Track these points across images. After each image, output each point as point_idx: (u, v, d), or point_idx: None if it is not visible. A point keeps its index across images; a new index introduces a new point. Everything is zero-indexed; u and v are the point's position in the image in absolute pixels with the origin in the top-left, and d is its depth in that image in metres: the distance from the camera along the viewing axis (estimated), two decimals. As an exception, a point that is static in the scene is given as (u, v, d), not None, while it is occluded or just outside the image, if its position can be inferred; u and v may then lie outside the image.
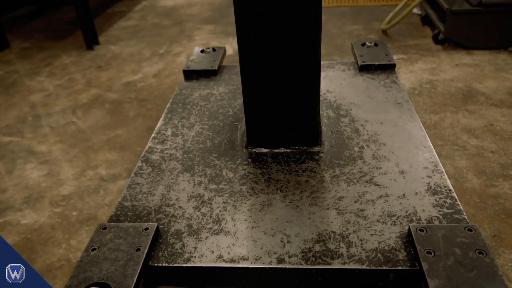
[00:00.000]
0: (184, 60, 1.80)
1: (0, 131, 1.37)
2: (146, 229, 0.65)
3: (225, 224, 0.68)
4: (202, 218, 0.69)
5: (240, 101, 1.03)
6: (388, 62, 1.12)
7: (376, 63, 1.12)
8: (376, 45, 1.22)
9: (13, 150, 1.27)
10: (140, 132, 1.32)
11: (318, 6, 0.71)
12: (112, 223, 0.67)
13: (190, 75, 1.16)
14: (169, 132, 0.92)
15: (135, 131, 1.32)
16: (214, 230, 0.67)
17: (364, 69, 1.12)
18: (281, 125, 0.83)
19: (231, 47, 1.90)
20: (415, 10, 2.10)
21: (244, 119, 0.89)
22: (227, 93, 1.07)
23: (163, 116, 0.99)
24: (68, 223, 0.99)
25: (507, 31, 1.61)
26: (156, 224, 0.66)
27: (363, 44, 1.23)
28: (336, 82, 1.08)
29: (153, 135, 0.92)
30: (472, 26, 1.62)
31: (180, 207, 0.72)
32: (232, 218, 0.69)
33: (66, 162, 1.19)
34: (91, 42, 1.97)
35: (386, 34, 1.89)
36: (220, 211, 0.70)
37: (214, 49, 1.27)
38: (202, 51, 1.27)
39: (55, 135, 1.33)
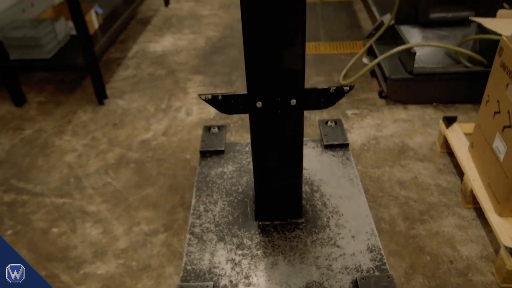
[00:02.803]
0: (184, 116, 2.23)
1: (52, 193, 1.77)
2: (207, 286, 1.12)
3: (252, 279, 1.16)
4: (237, 276, 1.17)
5: (245, 178, 1.50)
6: (343, 142, 1.62)
7: (336, 142, 1.62)
8: (335, 123, 1.72)
9: (69, 211, 1.68)
10: (164, 191, 1.76)
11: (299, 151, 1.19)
12: (185, 283, 1.13)
13: (205, 154, 1.61)
14: (201, 208, 1.38)
15: (160, 189, 1.76)
16: (246, 284, 1.15)
17: (328, 147, 1.62)
18: (277, 206, 1.31)
19: (221, 101, 2.34)
20: (365, 61, 2.61)
21: (250, 195, 1.37)
22: (234, 171, 1.53)
23: (194, 194, 1.44)
24: (131, 271, 1.43)
25: (432, 91, 2.15)
26: (212, 283, 1.13)
27: (326, 122, 1.72)
28: (309, 160, 1.57)
29: (191, 211, 1.38)
30: (407, 88, 2.15)
31: (222, 268, 1.19)
32: (255, 275, 1.17)
33: (115, 220, 1.63)
34: (101, 97, 2.35)
35: (343, 88, 2.39)
36: (247, 270, 1.18)
37: (218, 128, 1.73)
38: (209, 129, 1.72)
39: (98, 196, 1.75)
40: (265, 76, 1.02)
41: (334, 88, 1.04)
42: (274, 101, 1.05)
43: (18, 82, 2.34)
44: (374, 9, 2.81)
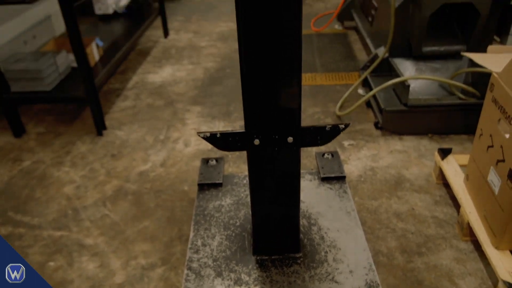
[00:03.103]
0: (182, 147, 2.25)
1: (50, 226, 1.77)
2: (205, 324, 1.11)
3: (250, 316, 1.15)
4: (235, 313, 1.16)
5: (243, 212, 1.50)
6: (340, 175, 1.63)
7: (333, 175, 1.63)
8: (332, 155, 1.74)
9: (66, 244, 1.67)
10: (162, 223, 1.76)
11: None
12: (183, 321, 1.12)
13: (203, 186, 1.62)
14: (199, 243, 1.38)
15: (158, 222, 1.76)
16: (244, 321, 1.14)
17: (325, 180, 1.63)
18: (275, 241, 1.31)
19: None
20: (360, 92, 2.66)
21: (248, 229, 1.38)
22: (232, 204, 1.54)
23: (192, 227, 1.45)
24: (128, 307, 1.42)
25: (426, 123, 2.19)
26: (210, 320, 1.12)
27: (323, 155, 1.74)
28: (307, 193, 1.58)
29: (189, 245, 1.38)
30: (402, 120, 2.19)
31: (220, 305, 1.18)
32: (253, 312, 1.16)
33: (112, 254, 1.62)
34: (100, 128, 2.37)
35: (340, 119, 2.43)
36: (245, 307, 1.18)
37: (216, 160, 1.74)
38: (207, 162, 1.74)
39: (96, 228, 1.74)
40: (263, 115, 1.04)
41: (330, 126, 1.07)
42: (271, 138, 1.07)
43: (18, 113, 2.37)
44: (368, 41, 2.88)
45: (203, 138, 1.07)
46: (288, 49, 0.96)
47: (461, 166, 1.80)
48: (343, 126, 1.07)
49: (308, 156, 2.12)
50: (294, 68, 1.00)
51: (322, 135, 1.08)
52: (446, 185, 1.86)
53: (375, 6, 2.71)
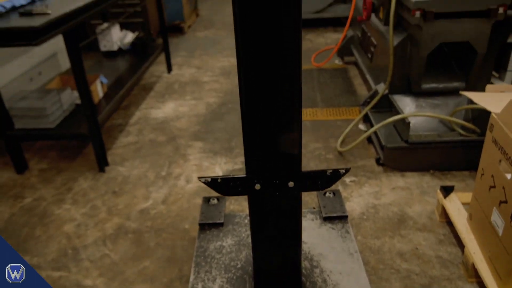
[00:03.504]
0: (184, 183, 2.25)
1: (48, 266, 1.75)
2: None
3: None
4: None
5: (244, 253, 1.48)
6: (342, 214, 1.62)
7: (334, 214, 1.62)
8: (334, 194, 1.73)
9: (65, 285, 1.65)
10: (162, 263, 1.73)
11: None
12: None
13: (204, 226, 1.61)
14: (200, 286, 1.36)
15: (158, 262, 1.74)
16: None
17: (327, 219, 1.62)
18: (276, 285, 1.29)
19: (220, 168, 2.37)
20: (361, 127, 2.67)
21: (249, 271, 1.36)
22: (234, 244, 1.52)
23: (192, 269, 1.42)
24: None
25: (428, 159, 2.19)
26: None
27: (325, 194, 1.73)
28: (308, 233, 1.56)
29: (189, 289, 1.35)
30: (403, 156, 2.19)
31: None
32: None
33: (111, 296, 1.59)
34: (102, 164, 2.38)
35: (341, 154, 2.43)
36: None
37: (218, 199, 1.74)
38: (208, 201, 1.73)
39: (95, 269, 1.72)
40: (263, 160, 1.05)
41: (331, 171, 1.07)
42: (272, 183, 1.08)
43: (21, 150, 2.38)
44: (368, 77, 2.92)
45: (204, 183, 1.08)
46: (288, 95, 0.98)
47: (464, 204, 1.79)
48: (343, 171, 1.07)
49: (310, 193, 2.11)
50: (294, 112, 1.01)
51: (323, 179, 1.08)
52: (450, 223, 1.84)
53: (374, 44, 2.76)
